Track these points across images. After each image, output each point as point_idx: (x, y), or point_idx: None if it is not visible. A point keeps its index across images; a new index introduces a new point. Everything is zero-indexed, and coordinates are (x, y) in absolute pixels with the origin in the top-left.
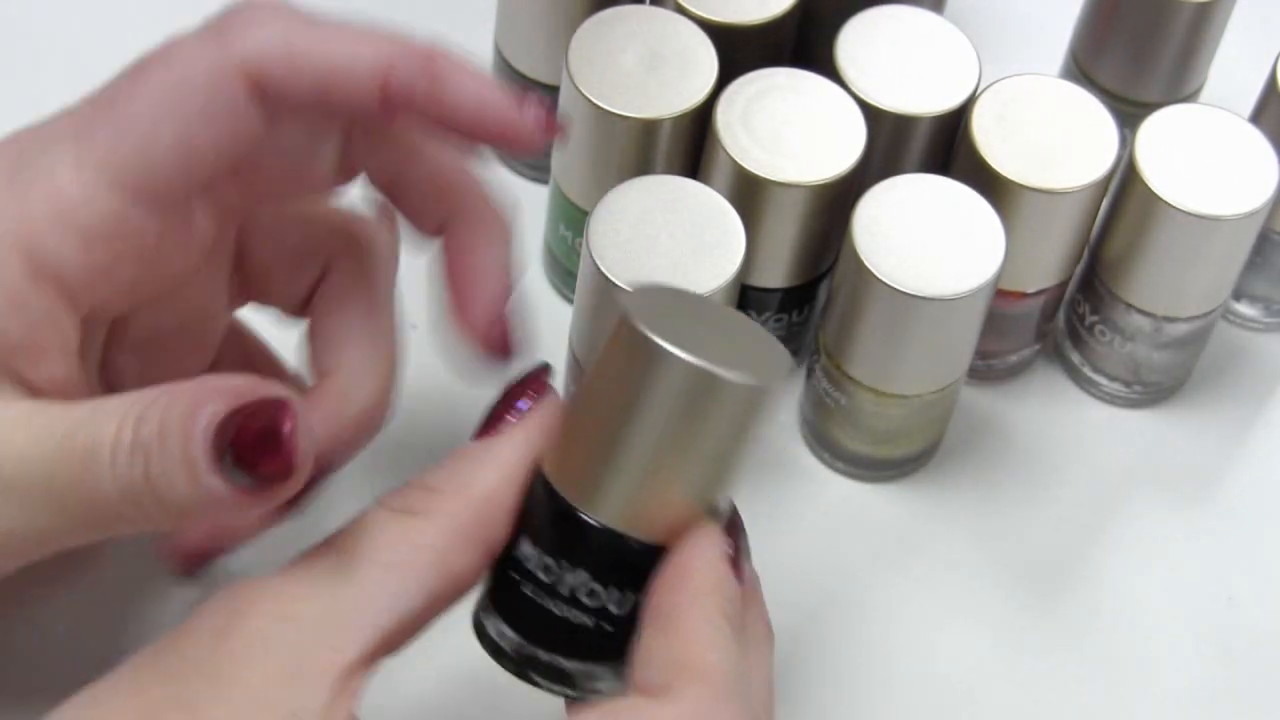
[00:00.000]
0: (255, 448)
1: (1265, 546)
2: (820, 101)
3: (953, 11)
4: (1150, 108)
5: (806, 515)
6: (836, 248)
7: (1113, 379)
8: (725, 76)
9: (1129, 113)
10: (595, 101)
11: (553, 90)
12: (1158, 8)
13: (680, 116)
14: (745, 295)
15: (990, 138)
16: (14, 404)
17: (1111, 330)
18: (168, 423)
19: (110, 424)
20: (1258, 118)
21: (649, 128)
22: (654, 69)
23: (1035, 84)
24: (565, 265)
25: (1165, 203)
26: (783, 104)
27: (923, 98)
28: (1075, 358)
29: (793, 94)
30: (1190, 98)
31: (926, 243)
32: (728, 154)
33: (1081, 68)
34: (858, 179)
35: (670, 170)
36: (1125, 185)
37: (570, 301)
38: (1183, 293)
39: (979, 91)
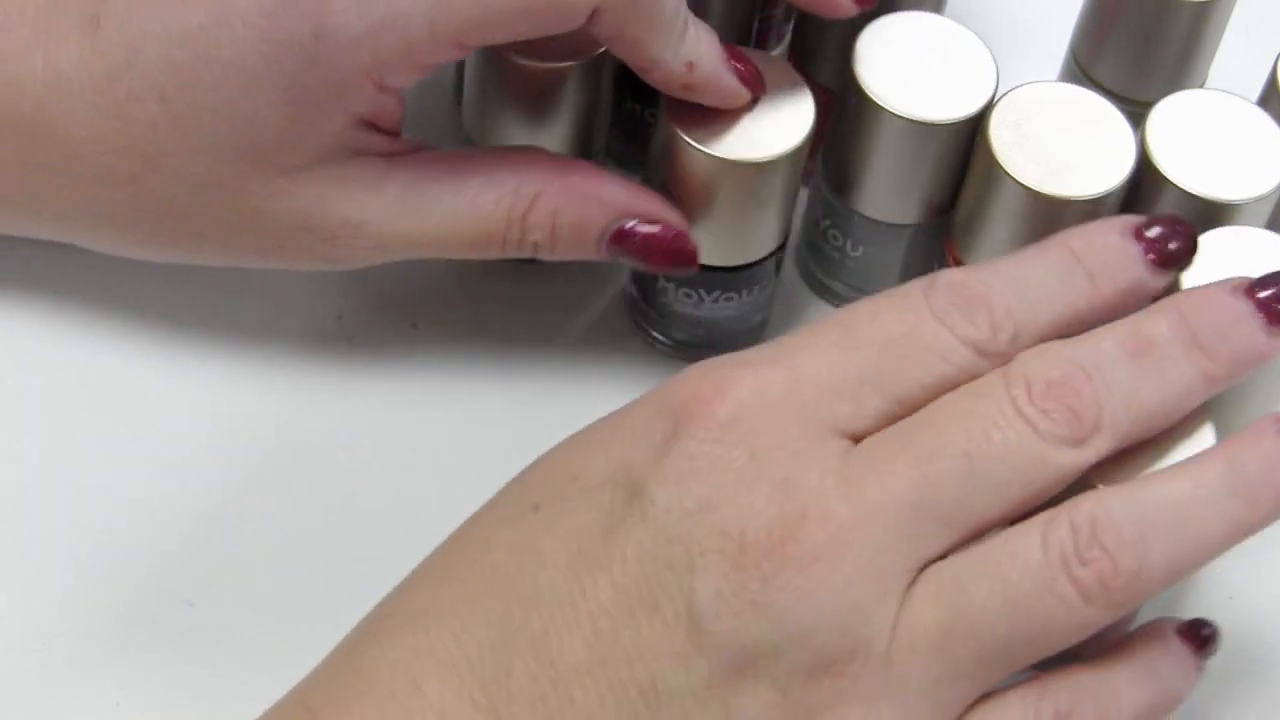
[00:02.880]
0: (650, 249)
1: (1265, 545)
2: (768, 75)
3: (952, 11)
4: (1150, 107)
5: None
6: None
7: None
8: None
9: (1129, 112)
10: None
11: None
12: (1158, 7)
13: (581, 68)
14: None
15: (1008, 146)
16: (382, 185)
17: None
18: (560, 229)
19: (498, 221)
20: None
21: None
22: None
23: (1052, 91)
24: None
25: (1176, 187)
26: None
27: (940, 105)
28: None
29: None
30: None
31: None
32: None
33: (1082, 67)
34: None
35: (575, 124)
36: (1136, 172)
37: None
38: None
39: (996, 98)
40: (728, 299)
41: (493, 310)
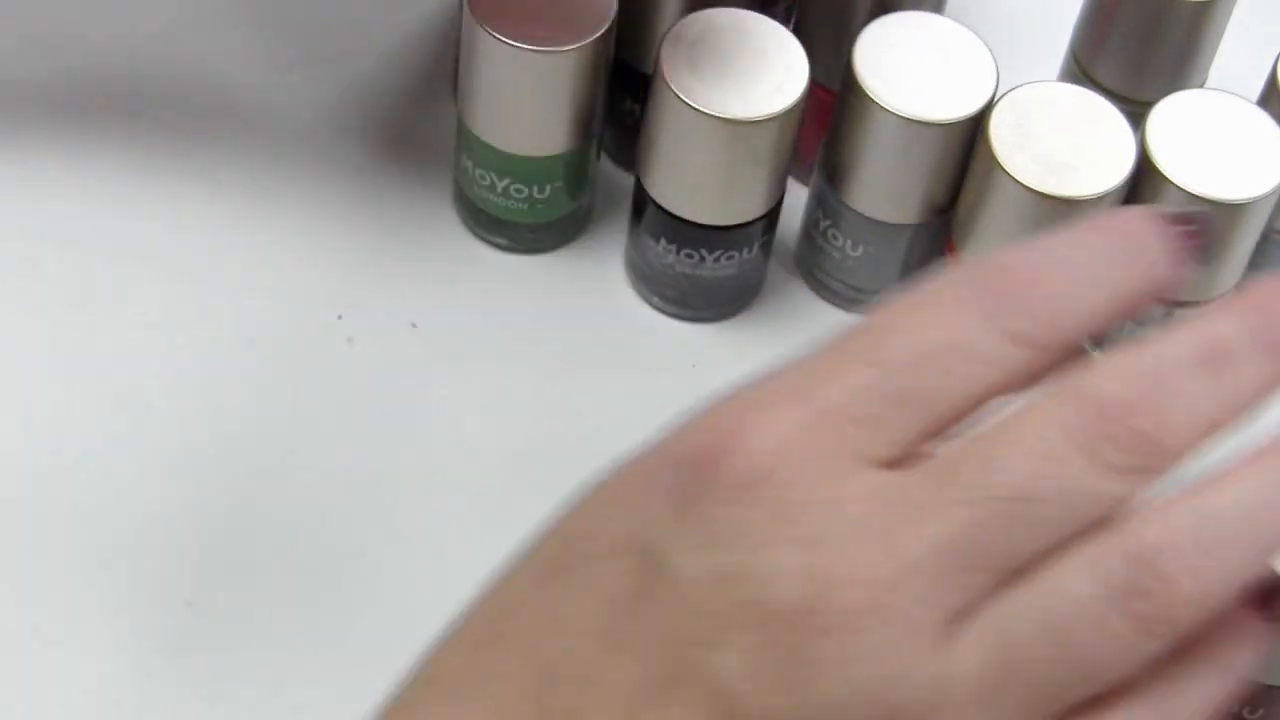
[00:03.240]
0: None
1: None
2: (762, 38)
3: (952, 11)
4: (1150, 107)
5: None
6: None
7: None
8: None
9: (1129, 112)
10: (492, 32)
11: None
12: (1158, 7)
13: (577, 51)
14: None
15: (1008, 145)
16: None
17: None
18: None
19: None
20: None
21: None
22: (556, 2)
23: (1052, 91)
24: (468, 196)
25: (1176, 186)
26: (725, 42)
27: (940, 104)
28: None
29: (733, 32)
30: None
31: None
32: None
33: (1082, 67)
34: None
35: (568, 106)
36: (1136, 172)
37: (482, 239)
38: (1195, 279)
39: (996, 98)
40: (729, 258)
41: (493, 309)
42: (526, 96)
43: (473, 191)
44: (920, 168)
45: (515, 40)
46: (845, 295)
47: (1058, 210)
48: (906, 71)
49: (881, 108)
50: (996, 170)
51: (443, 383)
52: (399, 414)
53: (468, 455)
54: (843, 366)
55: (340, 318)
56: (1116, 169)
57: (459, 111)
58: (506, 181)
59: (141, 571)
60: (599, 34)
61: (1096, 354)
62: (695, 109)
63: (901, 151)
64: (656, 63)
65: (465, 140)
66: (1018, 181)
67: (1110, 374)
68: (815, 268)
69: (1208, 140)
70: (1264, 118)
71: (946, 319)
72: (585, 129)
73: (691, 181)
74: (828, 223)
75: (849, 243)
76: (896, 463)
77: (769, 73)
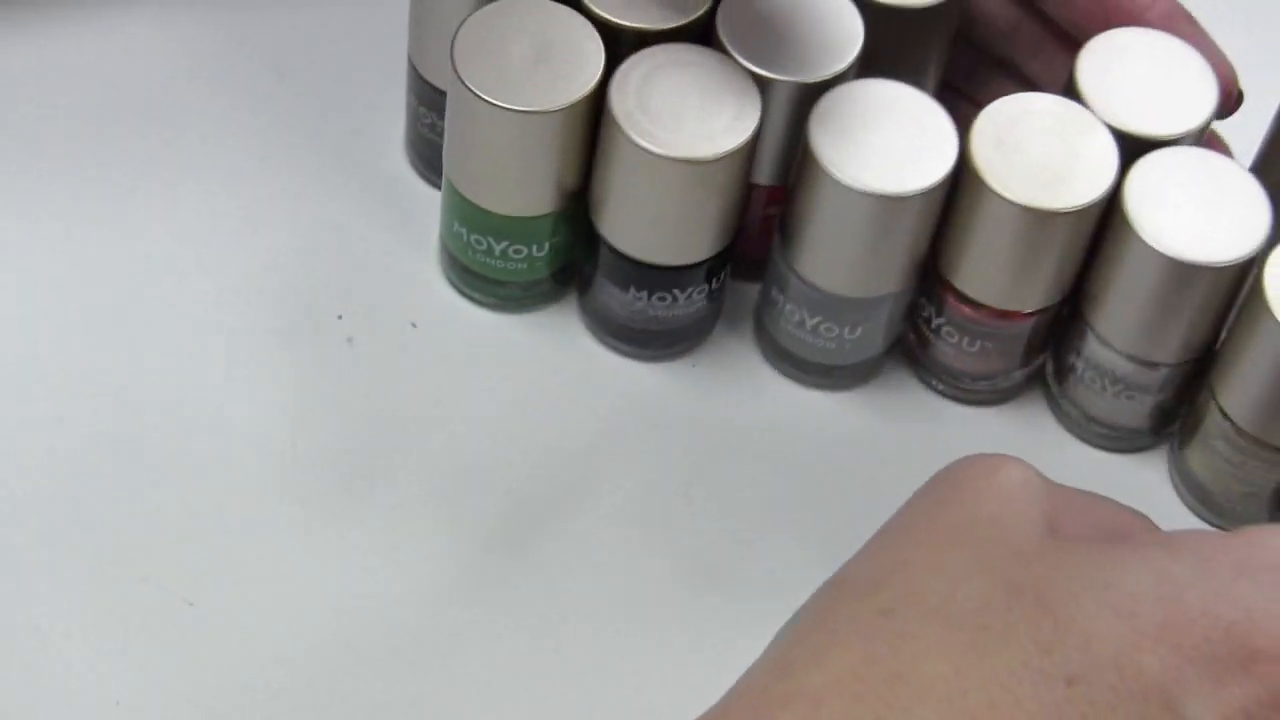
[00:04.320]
0: None
1: None
2: (712, 73)
3: None
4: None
5: None
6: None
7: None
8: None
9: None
10: (482, 96)
11: None
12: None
13: (570, 108)
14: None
15: (993, 164)
16: None
17: (1095, 373)
18: None
19: None
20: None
21: (538, 120)
22: (541, 61)
23: (1025, 103)
24: (462, 262)
25: (1158, 253)
26: (675, 80)
27: (906, 176)
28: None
29: (682, 69)
30: None
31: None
32: (628, 138)
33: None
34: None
35: (565, 161)
36: (1109, 218)
37: (471, 299)
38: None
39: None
40: (700, 292)
41: (493, 309)
42: (524, 157)
43: (466, 256)
44: (898, 237)
45: (510, 103)
46: (843, 378)
47: (1049, 223)
48: (868, 145)
49: (852, 190)
50: (985, 192)
51: (443, 383)
52: (399, 414)
53: (468, 455)
54: None
55: (340, 318)
56: (1100, 180)
57: (447, 179)
58: (505, 244)
59: (141, 571)
60: (592, 86)
61: None
62: (645, 149)
63: (877, 227)
64: (605, 102)
65: (456, 206)
66: (1008, 200)
67: None
68: (812, 362)
69: (1189, 200)
70: (1251, 181)
71: None
72: (582, 180)
73: (644, 221)
74: (816, 319)
75: (845, 329)
76: None
77: (721, 109)
